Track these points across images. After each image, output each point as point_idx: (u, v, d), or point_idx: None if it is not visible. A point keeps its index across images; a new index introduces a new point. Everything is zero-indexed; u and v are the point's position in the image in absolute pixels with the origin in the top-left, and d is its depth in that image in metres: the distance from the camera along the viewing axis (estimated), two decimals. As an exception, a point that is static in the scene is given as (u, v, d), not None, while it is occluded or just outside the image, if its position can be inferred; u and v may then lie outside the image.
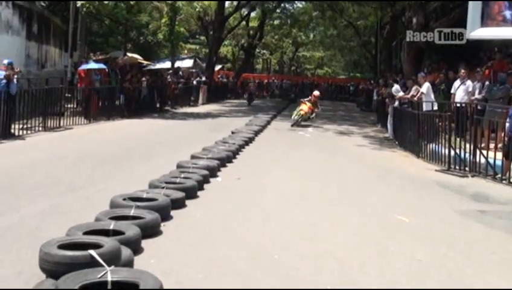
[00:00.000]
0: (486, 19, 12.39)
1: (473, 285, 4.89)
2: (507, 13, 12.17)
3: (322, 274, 4.97)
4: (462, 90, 13.51)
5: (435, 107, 13.62)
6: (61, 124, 15.74)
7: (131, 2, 22.48)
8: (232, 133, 15.15)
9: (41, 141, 13.15)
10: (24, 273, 4.61)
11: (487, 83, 13.32)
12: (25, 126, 13.99)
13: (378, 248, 5.87)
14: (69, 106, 18.68)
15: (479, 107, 11.85)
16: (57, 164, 10.01)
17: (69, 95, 19.38)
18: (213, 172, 9.33)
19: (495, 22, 12.35)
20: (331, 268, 5.14)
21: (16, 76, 13.33)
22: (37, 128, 14.44)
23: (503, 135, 10.52)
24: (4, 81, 12.92)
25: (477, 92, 13.24)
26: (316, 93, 21.75)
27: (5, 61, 13.32)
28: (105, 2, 21.24)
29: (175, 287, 4.41)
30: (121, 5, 21.96)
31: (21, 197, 7.28)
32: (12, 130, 13.31)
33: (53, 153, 11.43)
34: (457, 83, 14.13)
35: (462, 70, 14.25)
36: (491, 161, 10.44)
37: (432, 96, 14.19)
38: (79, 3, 22.00)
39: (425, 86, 14.25)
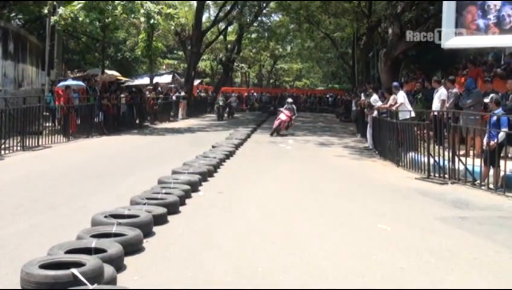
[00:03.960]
0: (460, 28, 12.60)
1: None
2: (480, 22, 12.39)
3: (306, 284, 4.98)
4: (436, 99, 13.70)
5: (412, 114, 13.79)
6: (40, 143, 15.58)
7: (107, 20, 22.41)
8: (213, 147, 15.13)
9: (20, 160, 13.02)
10: (5, 294, 4.57)
11: (454, 90, 13.48)
12: (3, 146, 13.84)
13: (360, 257, 5.90)
14: (47, 124, 18.55)
15: (456, 115, 12.02)
16: (36, 183, 9.92)
17: (47, 114, 19.25)
18: (194, 187, 9.31)
19: (469, 30, 12.57)
20: (315, 279, 5.16)
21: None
22: (15, 147, 14.29)
23: (483, 141, 10.64)
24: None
25: (447, 100, 13.43)
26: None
27: None
28: (80, 19, 21.11)
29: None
30: (96, 23, 21.89)
31: (1, 217, 7.21)
32: (-11, 151, 13.18)
33: (32, 172, 11.33)
34: (435, 92, 14.31)
35: (434, 80, 14.48)
36: (469, 167, 10.56)
37: (409, 104, 14.36)
38: (53, 20, 21.90)
39: (401, 96, 14.43)
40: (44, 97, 20.94)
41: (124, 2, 21.93)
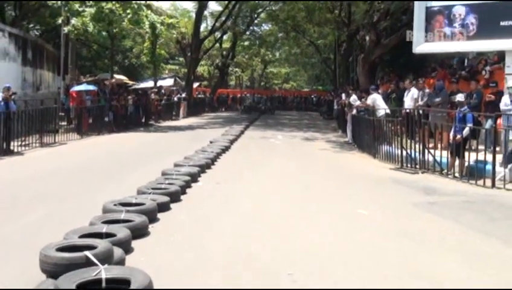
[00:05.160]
0: (429, 36, 12.63)
1: (425, 268, 4.96)
2: (447, 30, 12.41)
3: (294, 264, 4.98)
4: (409, 98, 13.72)
5: (388, 111, 13.85)
6: (56, 140, 15.53)
7: (115, 30, 22.25)
8: (210, 142, 15.08)
9: (38, 156, 12.95)
10: (26, 274, 4.54)
11: (427, 90, 13.57)
12: (23, 143, 13.79)
13: (343, 239, 5.91)
14: (63, 123, 18.48)
15: (425, 113, 12.07)
16: (53, 176, 9.88)
17: (63, 114, 19.17)
18: (194, 178, 9.30)
19: (437, 37, 12.59)
20: (302, 258, 5.16)
21: (13, 97, 13.29)
22: (34, 144, 14.23)
23: (449, 135, 10.68)
24: (2, 103, 12.83)
25: (419, 99, 13.48)
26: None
27: (6, 85, 13.36)
28: (89, 29, 20.98)
29: (163, 282, 4.38)
30: (103, 33, 21.75)
31: (22, 207, 7.18)
32: (11, 147, 13.09)
33: (49, 166, 11.28)
34: (407, 92, 14.35)
35: (406, 82, 14.54)
36: (438, 158, 10.61)
37: (383, 103, 14.43)
38: (66, 30, 21.78)
39: (371, 97, 14.56)
40: (60, 99, 20.83)
41: (130, 15, 21.78)
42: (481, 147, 10.59)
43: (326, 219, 6.85)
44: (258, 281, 4.56)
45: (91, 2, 21.40)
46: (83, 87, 21.17)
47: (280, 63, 60.26)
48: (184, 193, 8.18)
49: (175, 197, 7.62)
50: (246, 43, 45.97)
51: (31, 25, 33.15)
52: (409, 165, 11.25)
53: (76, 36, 23.31)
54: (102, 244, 4.63)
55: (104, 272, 3.94)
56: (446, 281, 4.62)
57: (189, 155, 11.69)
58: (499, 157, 9.76)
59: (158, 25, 24.59)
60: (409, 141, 11.54)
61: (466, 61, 16.70)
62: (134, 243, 5.42)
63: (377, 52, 21.51)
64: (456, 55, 17.39)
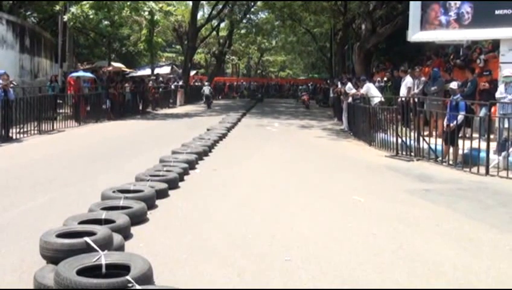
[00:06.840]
0: (425, 24, 12.60)
1: (420, 254, 4.98)
2: (442, 18, 12.38)
3: (290, 249, 4.99)
4: (403, 86, 13.73)
5: (382, 99, 13.87)
6: (55, 127, 15.50)
7: (116, 19, 22.11)
8: (208, 130, 15.08)
9: (37, 143, 12.92)
10: (26, 260, 4.55)
11: (423, 79, 13.57)
12: (22, 130, 13.76)
13: (338, 225, 5.92)
14: (60, 110, 18.43)
15: (421, 101, 12.07)
16: (52, 163, 9.86)
17: (61, 101, 19.11)
18: (192, 165, 9.30)
19: (432, 26, 12.57)
20: (298, 244, 5.17)
21: (11, 85, 13.23)
22: (32, 131, 14.20)
23: (444, 123, 10.69)
24: (0, 91, 12.76)
25: (415, 87, 13.48)
26: None
27: (1, 71, 13.25)
28: (91, 17, 20.81)
29: (162, 267, 4.39)
30: (104, 22, 21.62)
31: (21, 194, 7.17)
32: (10, 134, 13.08)
33: (48, 153, 11.25)
34: (403, 80, 14.34)
35: (401, 70, 14.54)
36: (432, 146, 10.63)
37: (376, 92, 14.46)
38: (66, 18, 21.64)
39: (365, 86, 14.59)
40: (56, 86, 20.69)
41: (130, 2, 21.62)
42: (475, 135, 10.61)
43: (323, 205, 6.87)
44: (255, 266, 4.57)
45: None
46: (80, 74, 21.08)
47: (276, 51, 60.08)
48: (182, 179, 8.19)
49: (173, 184, 7.63)
50: (243, 31, 45.77)
51: (29, 13, 32.89)
52: (404, 153, 11.27)
53: (75, 25, 23.17)
54: (101, 230, 4.64)
55: (103, 257, 3.95)
56: (442, 268, 4.64)
57: (187, 142, 11.68)
58: (493, 145, 9.79)
59: (156, 12, 24.45)
60: (404, 128, 11.56)
61: (461, 50, 16.65)
62: (133, 230, 5.43)
63: (372, 40, 21.47)
64: (451, 43, 17.35)
